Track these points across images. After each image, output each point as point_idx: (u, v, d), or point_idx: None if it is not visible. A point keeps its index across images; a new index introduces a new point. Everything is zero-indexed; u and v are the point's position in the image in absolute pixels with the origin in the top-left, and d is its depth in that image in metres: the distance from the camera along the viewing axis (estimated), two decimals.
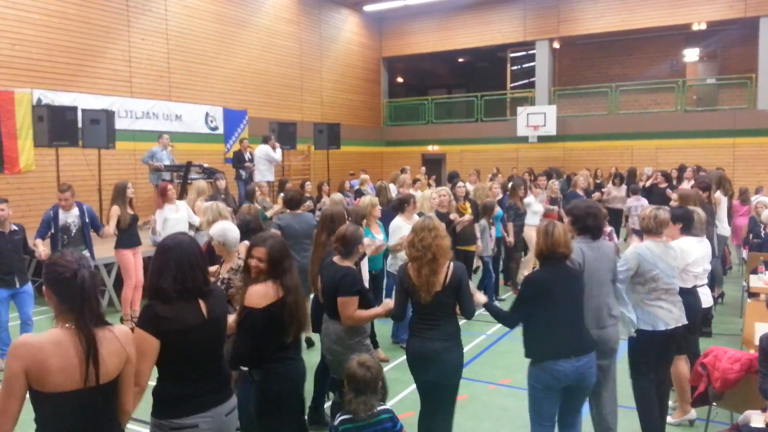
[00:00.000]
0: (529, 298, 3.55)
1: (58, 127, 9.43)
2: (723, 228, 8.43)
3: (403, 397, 5.10)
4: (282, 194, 9.98)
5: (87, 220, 6.76)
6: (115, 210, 7.06)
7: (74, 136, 9.69)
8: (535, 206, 9.26)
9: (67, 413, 2.21)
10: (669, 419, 4.52)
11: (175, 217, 7.56)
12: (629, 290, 4.13)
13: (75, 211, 6.72)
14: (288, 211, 6.47)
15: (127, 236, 7.22)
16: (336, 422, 3.21)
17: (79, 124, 9.81)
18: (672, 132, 17.52)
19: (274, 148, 12.47)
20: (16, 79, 10.85)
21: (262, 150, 12.46)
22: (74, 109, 9.87)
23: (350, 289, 3.81)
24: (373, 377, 3.18)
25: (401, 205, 6.59)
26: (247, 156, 12.82)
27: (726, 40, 19.14)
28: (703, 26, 17.63)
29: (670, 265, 4.11)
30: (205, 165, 11.83)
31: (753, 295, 5.87)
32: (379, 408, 3.18)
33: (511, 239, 8.76)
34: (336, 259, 3.95)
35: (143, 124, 13.06)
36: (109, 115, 10.21)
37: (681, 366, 4.55)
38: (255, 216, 5.46)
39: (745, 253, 8.85)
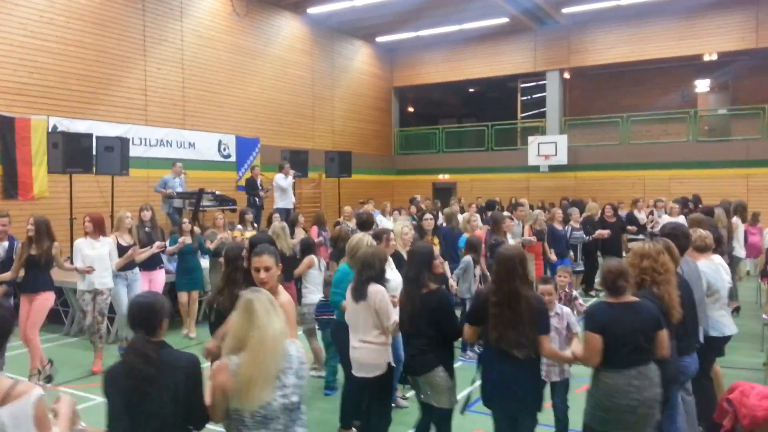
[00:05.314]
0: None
1: (73, 153, 9.45)
2: (739, 250, 9.11)
3: None
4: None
5: (12, 256, 6.20)
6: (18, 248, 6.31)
7: (88, 163, 9.72)
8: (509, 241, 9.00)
9: None
10: None
11: (91, 255, 6.57)
12: None
13: (5, 244, 6.20)
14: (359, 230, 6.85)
15: (25, 279, 6.20)
16: None
17: (94, 152, 9.86)
18: (685, 162, 17.44)
19: (286, 174, 12.41)
20: (32, 106, 11.00)
21: (275, 179, 12.49)
22: (89, 136, 9.92)
23: None
24: None
25: (378, 239, 5.97)
26: (259, 183, 12.85)
27: (737, 70, 19.13)
28: (714, 57, 17.67)
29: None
30: (217, 192, 11.89)
31: None
32: None
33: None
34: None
35: (157, 151, 13.15)
36: (123, 142, 10.25)
37: (716, 367, 5.05)
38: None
39: (764, 285, 8.86)
